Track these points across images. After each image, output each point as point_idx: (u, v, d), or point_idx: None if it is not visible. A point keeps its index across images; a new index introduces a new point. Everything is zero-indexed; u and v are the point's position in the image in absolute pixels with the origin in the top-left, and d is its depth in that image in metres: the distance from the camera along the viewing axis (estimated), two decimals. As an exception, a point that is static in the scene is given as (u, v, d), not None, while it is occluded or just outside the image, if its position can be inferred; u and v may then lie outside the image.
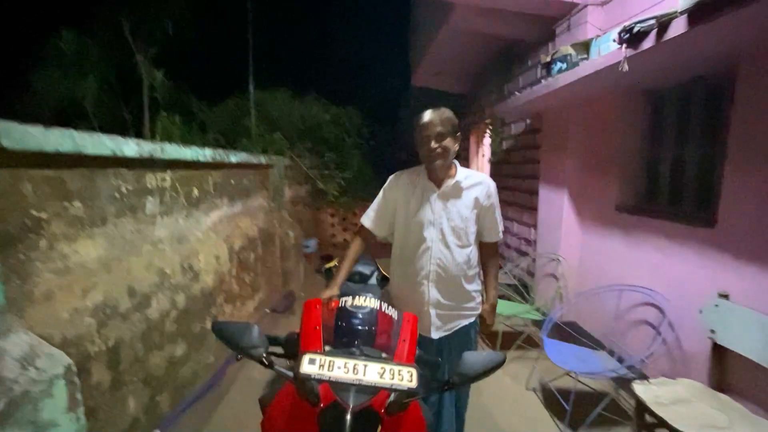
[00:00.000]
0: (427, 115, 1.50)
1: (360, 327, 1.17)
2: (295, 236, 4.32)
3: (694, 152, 2.24)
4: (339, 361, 0.97)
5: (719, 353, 1.86)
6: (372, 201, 1.73)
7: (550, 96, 2.77)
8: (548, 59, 2.72)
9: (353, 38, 12.66)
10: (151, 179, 1.99)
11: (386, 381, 0.95)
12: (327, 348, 1.12)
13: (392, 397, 0.98)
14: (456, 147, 1.54)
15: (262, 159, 3.69)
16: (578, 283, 3.16)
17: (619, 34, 1.88)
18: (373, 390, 0.99)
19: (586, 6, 2.88)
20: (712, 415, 1.67)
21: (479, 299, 1.71)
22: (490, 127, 5.04)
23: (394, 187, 1.66)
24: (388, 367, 0.98)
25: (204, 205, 2.57)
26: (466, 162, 6.53)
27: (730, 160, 1.86)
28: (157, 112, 4.13)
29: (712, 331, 1.85)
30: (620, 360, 2.38)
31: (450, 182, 1.57)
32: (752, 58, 1.76)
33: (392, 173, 1.71)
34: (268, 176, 4.04)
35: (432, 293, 1.60)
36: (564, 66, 2.57)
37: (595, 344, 2.64)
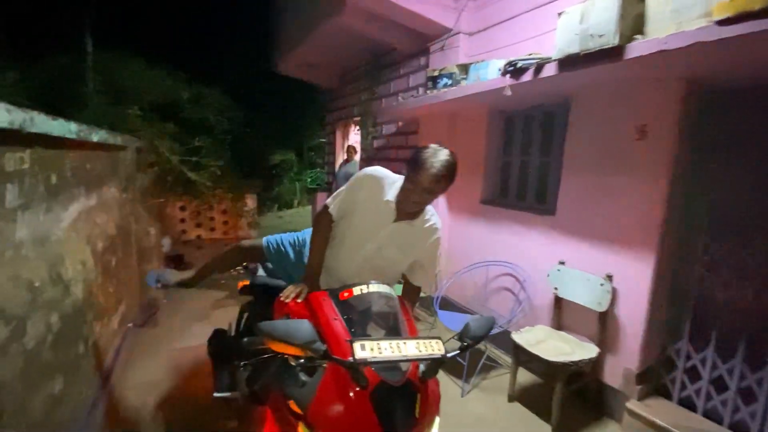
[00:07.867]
0: (440, 169, 1.32)
1: (386, 312, 1.25)
2: (155, 234, 3.64)
3: (536, 160, 3.06)
4: (384, 344, 1.04)
5: (559, 304, 2.64)
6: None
7: (434, 105, 3.24)
8: (435, 74, 3.17)
9: (213, 10, 10.75)
10: (10, 160, 1.44)
11: (424, 353, 1.08)
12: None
13: (422, 367, 1.13)
14: None
15: (119, 139, 2.97)
16: (447, 264, 3.80)
17: (505, 66, 2.41)
18: (406, 366, 1.11)
19: (458, 33, 3.47)
20: (560, 346, 2.39)
21: None
22: (360, 126, 5.38)
23: (366, 187, 1.53)
24: (421, 342, 1.10)
25: (63, 196, 1.96)
26: (332, 156, 6.72)
27: (565, 167, 2.64)
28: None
29: (555, 288, 2.62)
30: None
31: (409, 222, 1.51)
32: (580, 95, 2.54)
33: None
34: (119, 161, 3.27)
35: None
36: (449, 82, 3.06)
37: (469, 311, 3.28)
